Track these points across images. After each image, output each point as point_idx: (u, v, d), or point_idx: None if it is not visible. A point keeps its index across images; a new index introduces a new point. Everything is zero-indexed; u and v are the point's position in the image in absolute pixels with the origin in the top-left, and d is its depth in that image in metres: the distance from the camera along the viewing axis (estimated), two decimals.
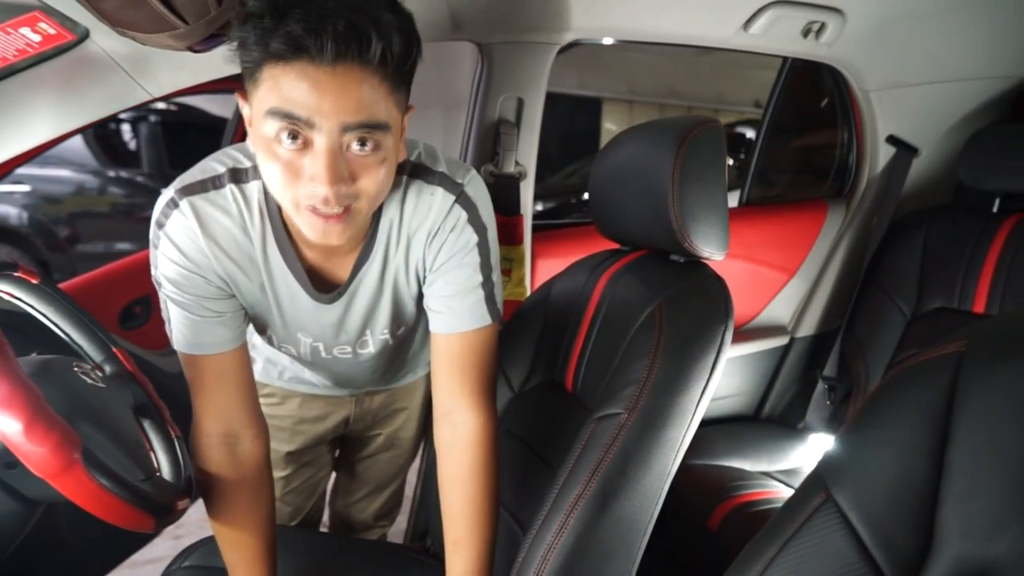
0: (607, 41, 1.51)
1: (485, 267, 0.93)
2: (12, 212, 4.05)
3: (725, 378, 1.95)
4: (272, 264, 0.91)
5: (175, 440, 0.97)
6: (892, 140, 1.90)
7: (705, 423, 1.90)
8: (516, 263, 1.52)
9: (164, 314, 0.93)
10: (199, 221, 0.86)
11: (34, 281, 0.93)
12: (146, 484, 0.81)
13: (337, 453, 1.50)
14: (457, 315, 0.93)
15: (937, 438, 0.50)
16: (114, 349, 0.98)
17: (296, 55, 0.68)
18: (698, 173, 0.99)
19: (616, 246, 1.22)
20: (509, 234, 1.50)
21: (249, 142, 0.81)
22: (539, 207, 6.00)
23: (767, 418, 2.07)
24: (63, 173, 4.29)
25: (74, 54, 1.02)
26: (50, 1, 0.88)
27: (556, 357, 1.16)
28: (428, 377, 1.34)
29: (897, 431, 0.52)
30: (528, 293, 1.56)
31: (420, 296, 0.99)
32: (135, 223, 4.50)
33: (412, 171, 0.90)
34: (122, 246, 4.50)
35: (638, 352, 0.95)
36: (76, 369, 0.88)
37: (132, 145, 4.76)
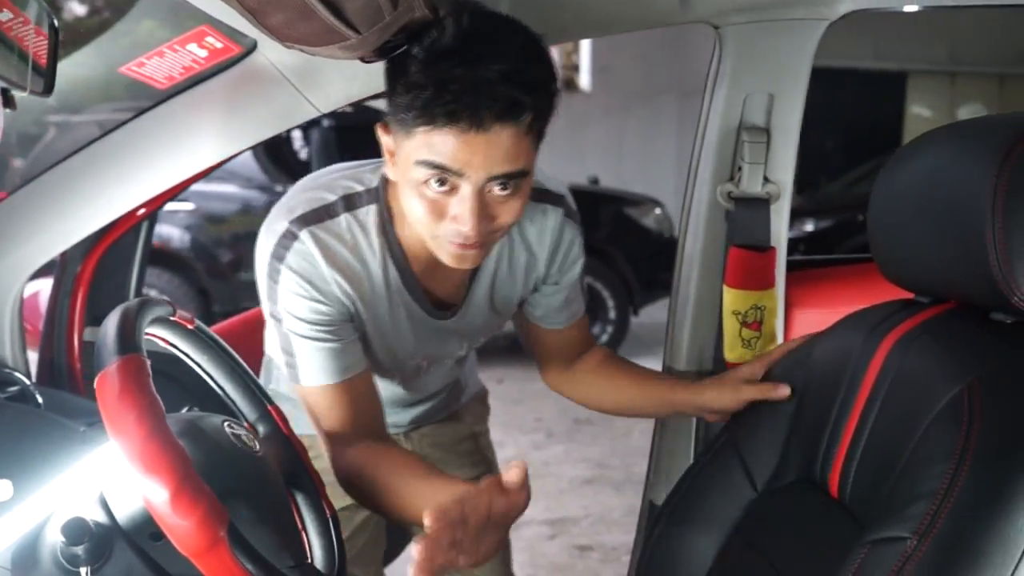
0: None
1: (583, 265, 1.29)
2: (175, 234, 4.71)
3: None
4: (392, 287, 1.16)
5: (329, 521, 1.06)
6: None
7: None
8: (769, 313, 1.46)
9: (282, 351, 1.14)
10: (322, 252, 1.09)
11: (189, 327, 1.07)
12: (295, 572, 0.89)
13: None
14: (572, 309, 1.32)
15: None
16: (269, 408, 1.10)
17: (453, 124, 0.92)
18: None
19: (909, 295, 1.16)
20: (758, 275, 1.44)
21: (388, 172, 1.07)
22: (809, 227, 5.54)
23: None
24: (229, 189, 4.89)
25: (240, 68, 1.20)
26: (220, 16, 1.03)
27: (817, 447, 1.12)
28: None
29: None
30: None
31: (521, 301, 1.31)
32: None
33: None
34: None
35: (935, 451, 0.89)
36: (229, 430, 0.99)
37: (303, 154, 5.31)
